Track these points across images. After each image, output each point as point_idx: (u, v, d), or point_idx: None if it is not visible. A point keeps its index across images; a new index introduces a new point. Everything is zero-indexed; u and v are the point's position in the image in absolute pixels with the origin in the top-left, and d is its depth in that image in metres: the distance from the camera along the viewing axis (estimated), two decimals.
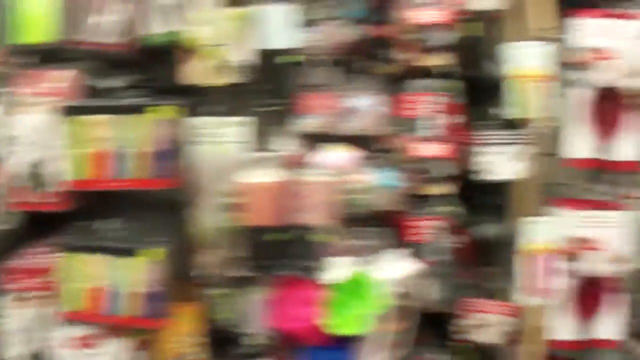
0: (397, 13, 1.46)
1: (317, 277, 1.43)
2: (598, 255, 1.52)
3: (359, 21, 1.48)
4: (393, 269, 1.43)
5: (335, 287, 1.43)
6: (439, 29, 1.44)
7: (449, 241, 1.47)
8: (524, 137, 1.48)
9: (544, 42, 1.48)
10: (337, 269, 1.43)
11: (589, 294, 1.54)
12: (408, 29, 1.44)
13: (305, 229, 1.40)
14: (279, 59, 1.46)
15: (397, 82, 1.49)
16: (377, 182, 1.42)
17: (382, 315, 1.41)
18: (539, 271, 1.52)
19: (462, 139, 1.47)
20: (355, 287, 1.42)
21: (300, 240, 1.41)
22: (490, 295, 1.56)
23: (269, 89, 1.49)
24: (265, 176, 1.41)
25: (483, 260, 1.57)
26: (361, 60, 1.50)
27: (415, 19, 1.45)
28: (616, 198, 1.55)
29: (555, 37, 1.49)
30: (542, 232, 1.52)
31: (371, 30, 1.48)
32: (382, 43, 1.48)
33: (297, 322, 1.45)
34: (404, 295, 1.42)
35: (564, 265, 1.52)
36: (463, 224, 1.50)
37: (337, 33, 1.46)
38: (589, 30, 1.47)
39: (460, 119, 1.46)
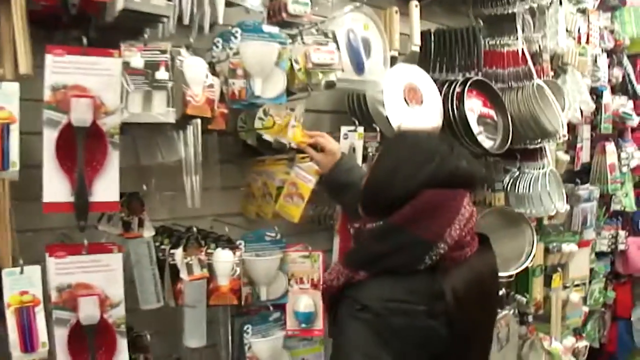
0: None
1: None
2: (92, 300, 1.45)
3: None
4: None
5: None
6: None
7: None
8: None
9: (11, 81, 1.36)
10: None
11: (87, 340, 1.45)
12: None
13: None
14: None
15: None
16: None
17: None
18: (30, 324, 1.41)
19: None
20: None
21: None
22: None
23: None
24: None
25: None
26: None
27: None
28: (109, 240, 1.50)
29: (27, 75, 1.39)
30: (28, 282, 1.41)
31: None
32: None
33: None
34: None
35: (58, 314, 1.42)
36: None
37: None
38: (61, 68, 1.39)
39: None
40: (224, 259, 1.61)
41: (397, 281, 1.24)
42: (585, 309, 3.41)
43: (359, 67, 1.95)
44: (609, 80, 3.42)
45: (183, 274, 1.55)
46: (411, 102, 2.10)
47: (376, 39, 2.03)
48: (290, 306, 1.80)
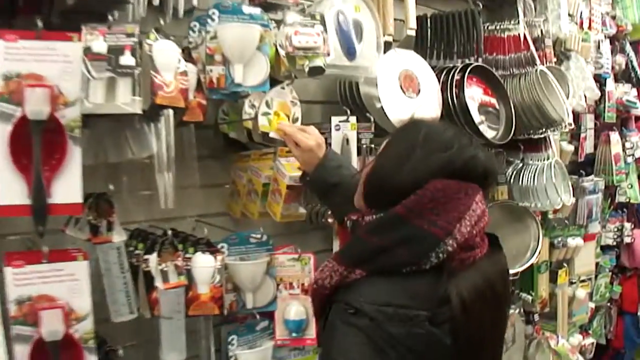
0: None
1: None
2: (56, 313, 1.30)
3: None
4: None
5: None
6: None
7: None
8: None
9: None
10: None
11: (51, 358, 1.31)
12: None
13: None
14: None
15: None
16: None
17: None
18: None
19: None
20: None
21: None
22: None
23: None
24: None
25: None
26: None
27: None
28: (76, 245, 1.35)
29: None
30: None
31: None
32: None
33: None
34: None
35: (18, 330, 1.27)
36: None
37: None
38: (14, 55, 1.24)
39: None
40: (203, 264, 1.46)
41: (397, 282, 1.09)
42: (592, 305, 3.28)
43: (349, 52, 1.79)
44: (612, 68, 3.28)
45: (158, 282, 1.40)
46: (407, 91, 1.96)
47: (368, 22, 1.86)
48: (280, 314, 1.66)
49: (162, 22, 1.42)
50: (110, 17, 1.35)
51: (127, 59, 1.27)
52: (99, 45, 1.27)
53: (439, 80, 2.11)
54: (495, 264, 1.17)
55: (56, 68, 1.25)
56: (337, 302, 1.11)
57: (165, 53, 1.33)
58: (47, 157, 1.25)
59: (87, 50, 1.26)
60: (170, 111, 1.35)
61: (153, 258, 1.40)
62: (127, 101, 1.25)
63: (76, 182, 1.26)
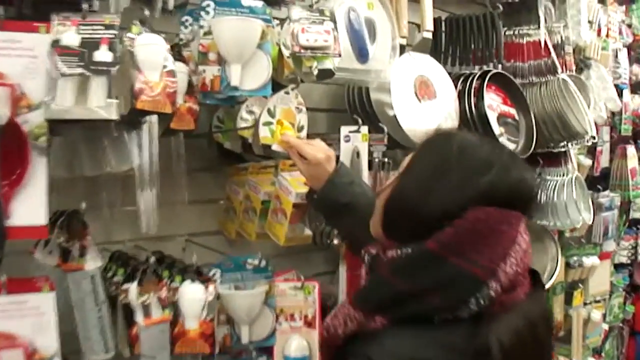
0: None
1: None
2: (16, 355, 1.10)
3: None
4: None
5: None
6: None
7: None
8: None
9: None
10: None
11: None
12: None
13: None
14: None
15: None
16: None
17: None
18: None
19: None
20: None
21: None
22: None
23: None
24: None
25: None
26: None
27: None
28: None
29: None
30: None
31: None
32: None
33: None
34: None
35: None
36: None
37: None
38: None
39: None
40: (192, 296, 1.26)
41: (426, 332, 0.90)
42: (605, 326, 3.10)
43: (361, 54, 1.60)
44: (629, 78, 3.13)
45: (138, 317, 1.20)
46: (423, 98, 1.77)
47: (382, 21, 1.67)
48: (279, 349, 1.47)
49: (147, 12, 1.22)
50: (86, 6, 1.15)
51: (103, 55, 1.07)
52: (70, 37, 1.07)
53: (454, 88, 1.92)
54: (538, 306, 0.98)
55: (19, 64, 1.07)
56: (353, 355, 0.92)
57: (149, 49, 1.13)
58: (6, 170, 1.05)
59: (55, 43, 1.06)
60: (154, 117, 1.15)
61: (133, 288, 1.20)
62: (101, 104, 1.05)
63: (40, 201, 1.06)
